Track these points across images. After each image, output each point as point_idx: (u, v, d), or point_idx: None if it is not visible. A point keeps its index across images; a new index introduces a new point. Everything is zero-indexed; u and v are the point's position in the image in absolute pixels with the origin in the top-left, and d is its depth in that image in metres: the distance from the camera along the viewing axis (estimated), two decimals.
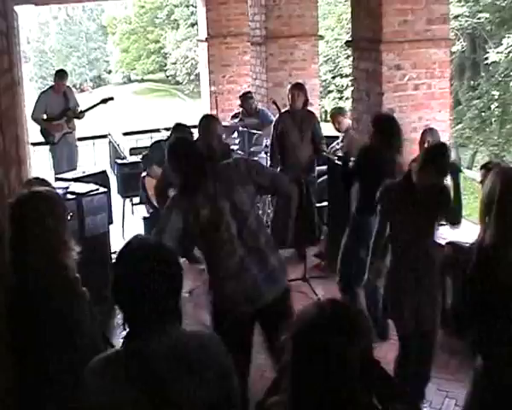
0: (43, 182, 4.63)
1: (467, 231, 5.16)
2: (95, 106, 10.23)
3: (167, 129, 9.22)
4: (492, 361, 3.12)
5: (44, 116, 9.91)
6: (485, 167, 6.29)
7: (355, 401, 2.04)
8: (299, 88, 8.05)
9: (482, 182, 5.73)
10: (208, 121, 6.20)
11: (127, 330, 2.38)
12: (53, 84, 10.28)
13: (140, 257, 2.37)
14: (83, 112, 10.07)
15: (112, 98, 10.42)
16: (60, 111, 9.88)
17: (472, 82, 23.64)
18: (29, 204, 3.16)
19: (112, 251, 7.17)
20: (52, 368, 2.91)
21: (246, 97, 9.62)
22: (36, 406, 2.97)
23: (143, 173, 8.06)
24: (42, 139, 10.27)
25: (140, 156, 9.22)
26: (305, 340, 2.07)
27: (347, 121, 8.67)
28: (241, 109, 9.78)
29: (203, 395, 2.34)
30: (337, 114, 8.94)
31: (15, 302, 2.99)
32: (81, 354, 2.80)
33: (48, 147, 10.36)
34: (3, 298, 2.97)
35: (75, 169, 9.53)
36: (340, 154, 7.94)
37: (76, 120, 10.10)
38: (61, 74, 10.25)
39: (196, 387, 2.32)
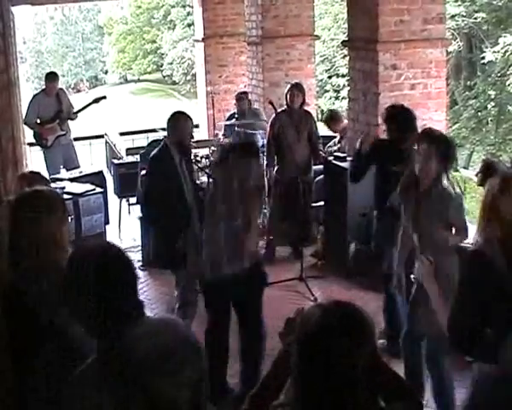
0: (38, 176, 4.61)
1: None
2: (87, 106, 10.13)
3: (164, 129, 9.20)
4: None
5: (38, 120, 9.76)
6: (485, 164, 6.23)
7: (356, 401, 2.04)
8: (298, 88, 8.07)
9: (477, 175, 5.73)
10: (180, 119, 5.90)
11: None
12: (44, 87, 10.15)
13: (93, 259, 2.38)
14: (75, 113, 9.98)
15: (104, 97, 10.31)
16: (52, 114, 9.76)
17: (468, 82, 23.63)
18: (26, 204, 3.13)
19: None
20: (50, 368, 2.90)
21: (239, 97, 9.63)
22: (35, 406, 2.96)
23: (142, 172, 8.03)
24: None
25: (137, 156, 9.21)
26: (311, 341, 2.06)
27: (343, 122, 8.70)
28: (236, 109, 9.78)
29: (183, 378, 2.32)
30: (330, 121, 8.88)
31: (12, 302, 2.97)
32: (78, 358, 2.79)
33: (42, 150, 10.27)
34: (1, 298, 2.96)
35: (78, 167, 9.44)
36: (336, 153, 7.96)
37: (70, 121, 10.00)
38: (51, 76, 10.08)
39: (176, 372, 2.31)
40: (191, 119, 6.01)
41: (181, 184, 5.77)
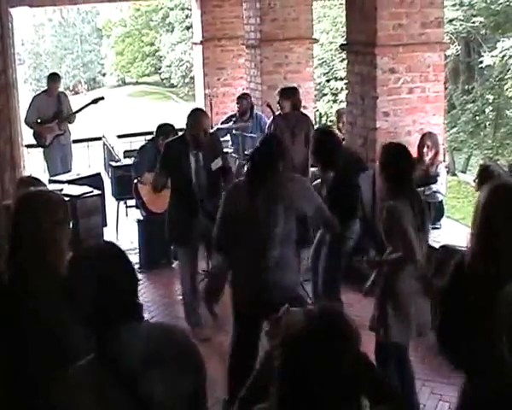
0: (36, 180, 4.61)
1: (461, 235, 5.17)
2: (85, 106, 10.21)
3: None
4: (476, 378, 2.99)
5: (38, 120, 9.88)
6: (482, 169, 6.23)
7: (349, 403, 2.04)
8: (282, 95, 8.27)
9: (475, 181, 5.72)
10: (196, 114, 6.31)
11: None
12: (46, 87, 10.28)
13: (95, 259, 2.40)
14: (74, 113, 10.05)
15: (102, 98, 10.36)
16: (52, 114, 9.86)
17: (466, 86, 23.67)
18: (27, 205, 3.13)
19: None
20: (43, 372, 2.88)
21: (239, 98, 9.63)
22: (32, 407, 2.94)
23: (135, 180, 7.98)
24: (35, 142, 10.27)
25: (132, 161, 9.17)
26: (302, 347, 2.04)
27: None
28: (237, 109, 9.74)
29: (177, 388, 2.30)
30: (344, 113, 8.90)
31: (10, 304, 2.95)
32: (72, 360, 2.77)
33: (42, 149, 10.36)
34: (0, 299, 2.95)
35: (70, 171, 9.51)
36: None
37: (69, 124, 10.08)
38: (53, 77, 10.26)
39: (170, 381, 2.29)
40: (207, 116, 6.55)
41: (189, 172, 6.15)
